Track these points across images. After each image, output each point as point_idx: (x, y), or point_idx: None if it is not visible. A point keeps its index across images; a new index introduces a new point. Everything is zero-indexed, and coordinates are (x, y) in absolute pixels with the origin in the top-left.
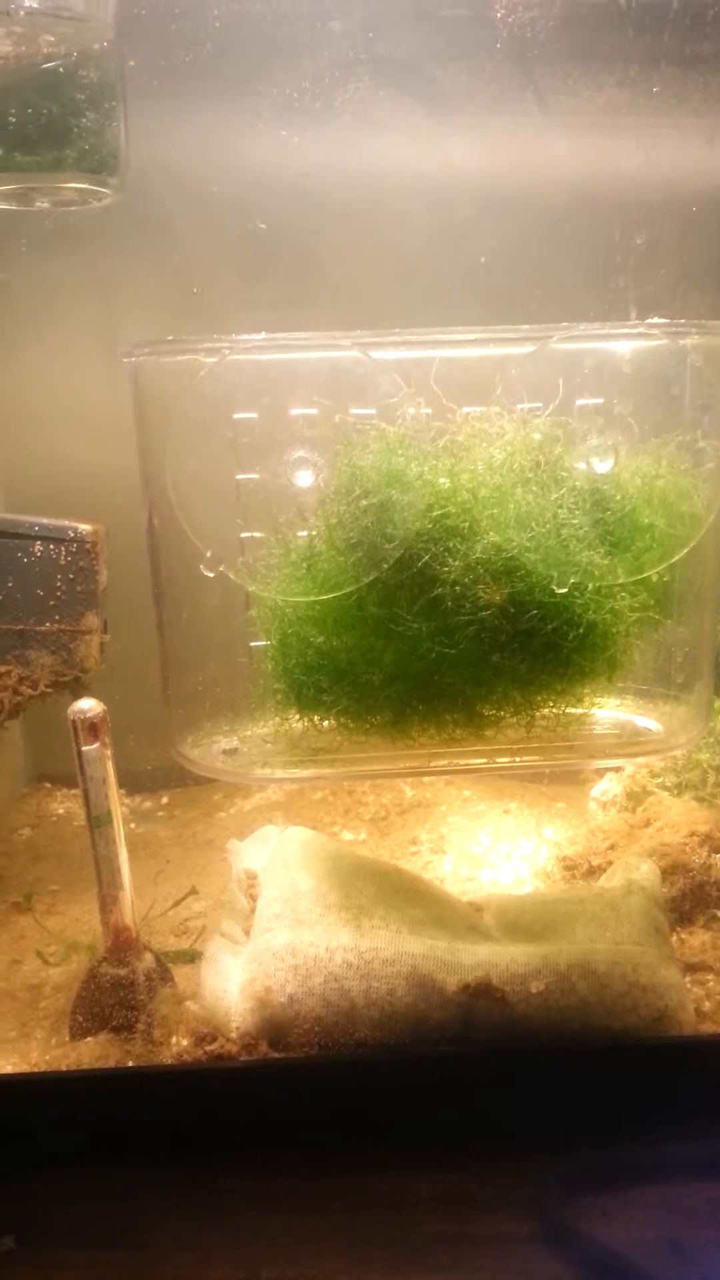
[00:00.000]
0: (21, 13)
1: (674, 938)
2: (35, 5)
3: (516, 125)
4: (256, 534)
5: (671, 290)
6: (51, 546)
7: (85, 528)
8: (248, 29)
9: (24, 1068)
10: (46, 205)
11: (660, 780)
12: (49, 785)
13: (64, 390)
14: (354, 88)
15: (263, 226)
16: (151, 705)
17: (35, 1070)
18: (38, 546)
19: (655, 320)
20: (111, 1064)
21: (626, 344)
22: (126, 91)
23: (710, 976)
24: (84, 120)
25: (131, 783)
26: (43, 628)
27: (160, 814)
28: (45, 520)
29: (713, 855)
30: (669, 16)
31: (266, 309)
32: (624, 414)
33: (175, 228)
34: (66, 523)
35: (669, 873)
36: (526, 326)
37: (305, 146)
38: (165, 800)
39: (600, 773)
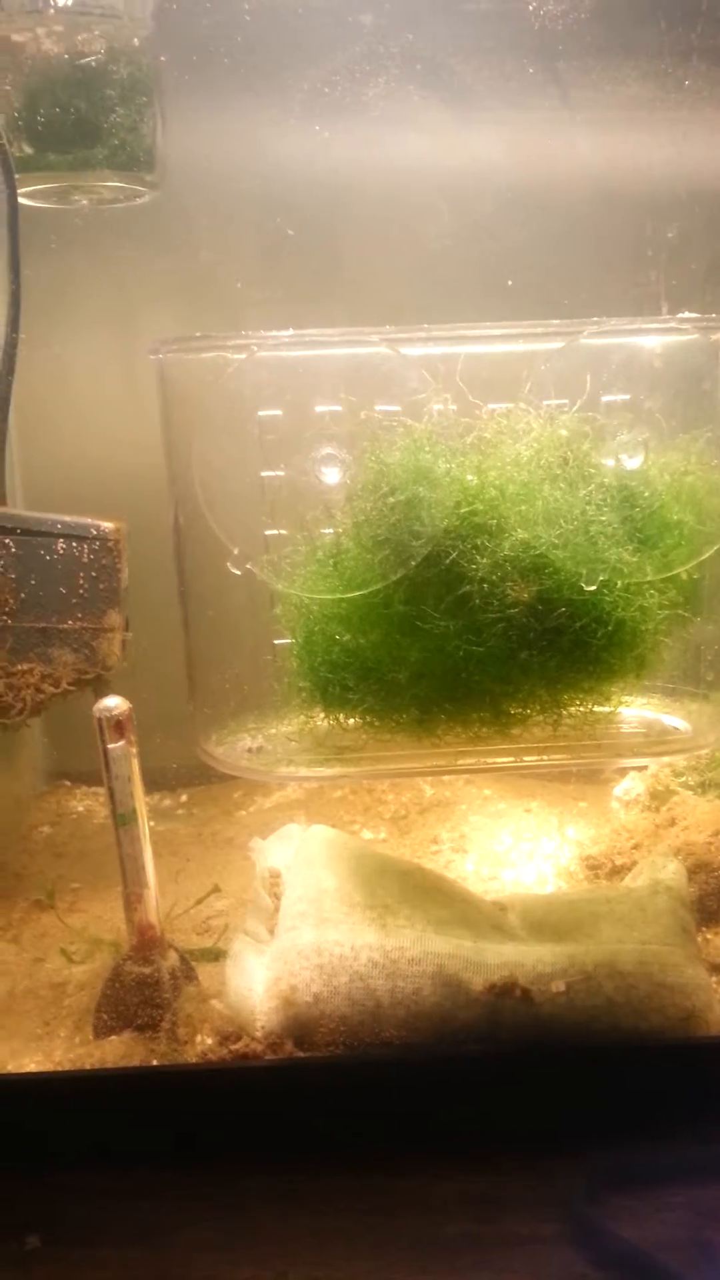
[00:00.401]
0: (51, 10)
1: (700, 937)
2: (71, 2)
3: (541, 120)
4: (282, 531)
5: (701, 284)
6: (74, 544)
7: (107, 525)
8: (277, 23)
9: (48, 1066)
10: (86, 202)
11: (683, 779)
12: (68, 783)
13: (86, 388)
14: (381, 81)
15: (291, 233)
16: (173, 703)
17: (59, 1069)
18: (60, 544)
19: (686, 315)
20: (136, 1063)
21: (656, 339)
22: (162, 87)
23: None
24: (114, 117)
25: (150, 780)
26: (65, 626)
27: (180, 812)
28: (67, 518)
29: None
30: (701, 9)
31: (289, 304)
32: (653, 409)
33: (200, 223)
34: (88, 520)
35: (694, 872)
36: (555, 322)
37: (332, 141)
38: (184, 798)
39: (623, 772)
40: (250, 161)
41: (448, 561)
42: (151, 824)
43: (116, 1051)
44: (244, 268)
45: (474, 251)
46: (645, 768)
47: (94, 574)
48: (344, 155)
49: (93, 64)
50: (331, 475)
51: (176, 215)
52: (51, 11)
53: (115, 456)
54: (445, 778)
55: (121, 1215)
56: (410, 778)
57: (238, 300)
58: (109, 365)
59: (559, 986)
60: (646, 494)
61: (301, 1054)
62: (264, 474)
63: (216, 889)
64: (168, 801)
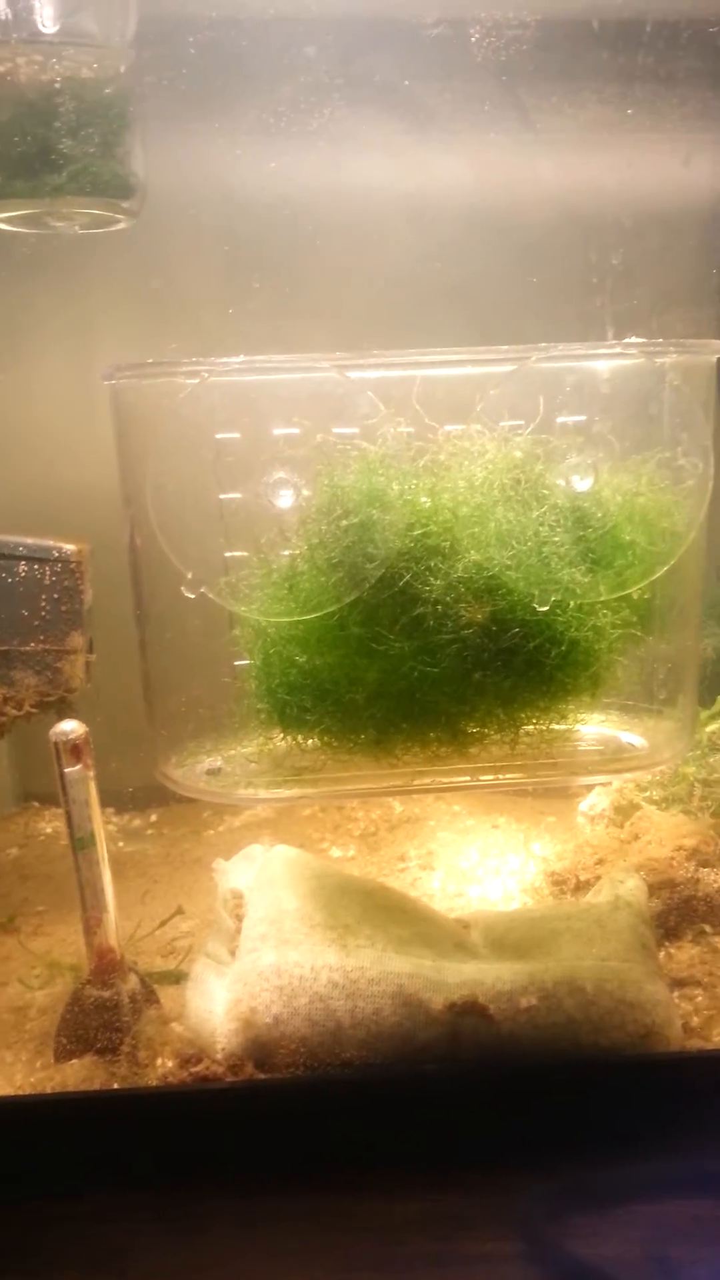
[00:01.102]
0: (14, 39)
1: (661, 953)
2: (50, 32)
3: (499, 145)
4: (239, 554)
5: (651, 308)
6: (36, 566)
7: (70, 547)
8: (226, 54)
9: (8, 1090)
10: (73, 228)
11: (647, 794)
12: (36, 804)
13: (47, 411)
14: (332, 111)
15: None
16: (137, 724)
17: (19, 1093)
18: (22, 566)
19: (633, 340)
20: (96, 1086)
21: (605, 363)
22: (140, 114)
23: (698, 991)
24: (78, 143)
25: (119, 800)
26: (27, 648)
27: (149, 832)
28: (29, 540)
29: (699, 869)
30: (643, 40)
31: (250, 330)
32: (604, 432)
33: (156, 250)
34: (51, 542)
35: (656, 887)
36: (506, 347)
37: (288, 169)
38: (154, 818)
39: (589, 786)
40: (207, 187)
41: (402, 583)
42: (120, 844)
43: (77, 1075)
44: (206, 295)
45: (433, 275)
46: (609, 783)
47: (56, 596)
48: (303, 182)
49: (60, 89)
50: (286, 498)
51: (138, 242)
52: (15, 40)
53: (79, 478)
54: (414, 794)
55: (81, 1240)
56: (368, 798)
57: (203, 322)
58: (71, 386)
59: (529, 1001)
60: (599, 515)
61: (262, 1075)
62: (221, 497)
63: (180, 910)
64: (137, 821)
